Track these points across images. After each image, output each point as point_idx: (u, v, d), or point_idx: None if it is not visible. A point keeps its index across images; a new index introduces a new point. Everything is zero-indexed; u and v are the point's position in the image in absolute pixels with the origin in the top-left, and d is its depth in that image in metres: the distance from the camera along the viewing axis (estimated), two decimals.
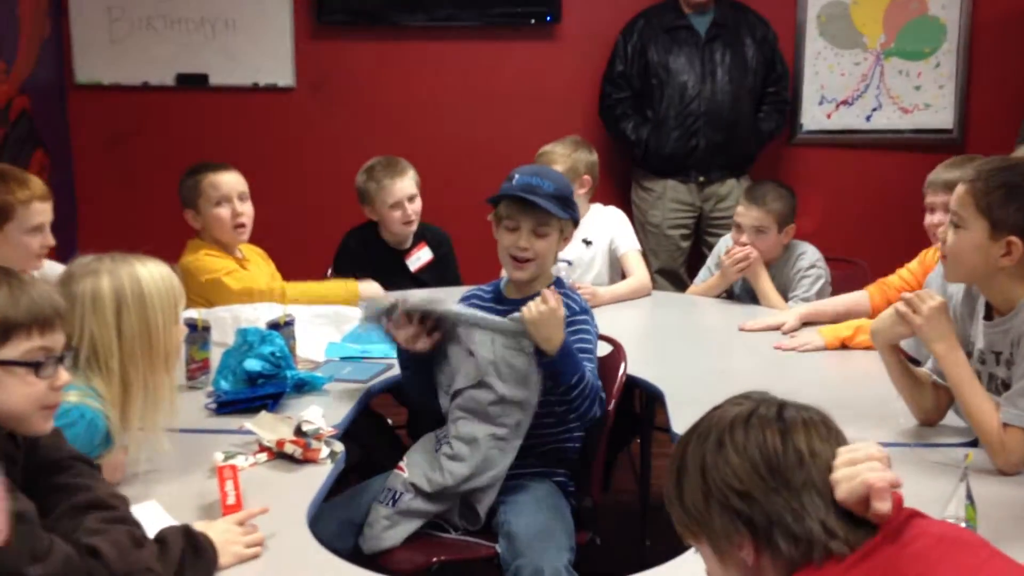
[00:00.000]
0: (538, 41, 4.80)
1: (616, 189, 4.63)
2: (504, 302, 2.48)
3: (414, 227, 3.64)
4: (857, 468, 1.26)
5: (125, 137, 4.88)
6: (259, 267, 3.37)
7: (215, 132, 4.81)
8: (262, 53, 4.81)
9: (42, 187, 2.74)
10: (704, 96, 4.38)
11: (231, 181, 3.29)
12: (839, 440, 1.33)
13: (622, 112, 4.50)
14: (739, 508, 1.27)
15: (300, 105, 4.85)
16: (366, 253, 3.66)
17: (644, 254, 4.44)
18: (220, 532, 1.76)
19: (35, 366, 1.58)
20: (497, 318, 2.31)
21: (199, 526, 1.77)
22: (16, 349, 1.56)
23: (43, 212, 2.71)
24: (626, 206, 4.34)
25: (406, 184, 3.60)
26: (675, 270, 4.53)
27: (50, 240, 2.75)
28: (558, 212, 2.37)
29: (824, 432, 1.31)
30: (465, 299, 2.54)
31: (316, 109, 4.85)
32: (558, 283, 2.49)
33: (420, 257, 3.69)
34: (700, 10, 4.44)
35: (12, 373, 1.55)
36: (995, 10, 4.72)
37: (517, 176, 2.41)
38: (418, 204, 3.64)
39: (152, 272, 2.01)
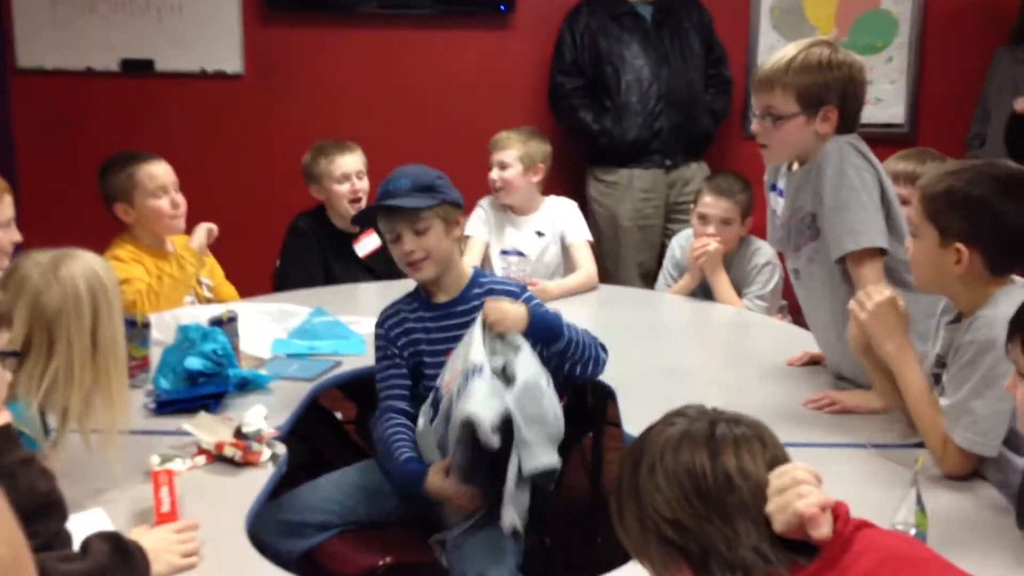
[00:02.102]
0: (491, 30, 4.75)
1: (568, 183, 4.56)
2: (434, 308, 2.41)
3: (361, 205, 3.60)
4: (786, 497, 1.23)
5: (68, 123, 4.76)
6: (180, 267, 3.15)
7: (161, 119, 4.71)
8: (210, 39, 4.71)
9: (2, 181, 2.66)
10: (662, 79, 4.37)
11: (166, 171, 3.20)
12: (776, 454, 1.29)
13: (579, 102, 4.44)
14: (672, 538, 1.25)
15: (248, 92, 4.76)
16: (315, 236, 3.63)
17: (619, 251, 4.42)
18: (154, 540, 1.70)
19: (18, 356, 1.61)
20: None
21: (135, 533, 1.71)
22: (3, 339, 1.56)
23: (7, 206, 2.64)
24: (580, 200, 4.29)
25: (355, 159, 3.64)
26: (653, 263, 4.42)
27: (17, 235, 2.67)
28: (422, 202, 2.31)
29: (758, 448, 1.28)
30: (389, 317, 2.44)
31: (265, 96, 4.77)
32: (477, 274, 2.44)
33: (367, 243, 3.65)
34: None
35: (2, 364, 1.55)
36: (947, 5, 4.74)
37: (379, 188, 2.40)
38: (366, 184, 3.64)
39: (102, 267, 1.95)
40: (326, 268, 3.57)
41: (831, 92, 2.36)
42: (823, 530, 1.21)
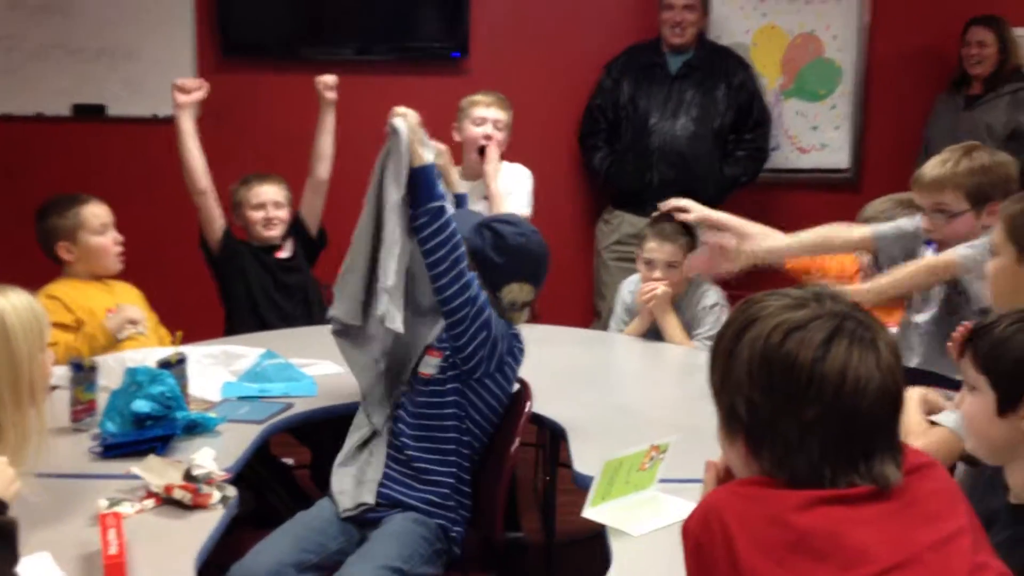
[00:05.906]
0: (446, 76, 4.79)
1: (583, 219, 4.85)
2: None
3: (275, 232, 3.64)
4: None
5: (16, 170, 4.72)
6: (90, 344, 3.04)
7: (112, 164, 4.69)
8: (163, 84, 4.67)
9: None
10: (661, 131, 4.43)
11: (106, 210, 3.26)
12: (887, 383, 1.24)
13: (593, 144, 4.61)
14: (740, 413, 1.26)
15: (202, 137, 4.73)
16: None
17: (601, 289, 4.55)
18: None
19: None
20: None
21: None
22: None
23: None
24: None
25: (273, 189, 3.67)
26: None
27: None
28: None
29: (872, 367, 1.23)
30: None
31: (218, 142, 4.72)
32: None
33: (286, 248, 3.72)
34: (678, 50, 4.49)
35: None
36: (889, 54, 4.87)
37: None
38: (284, 213, 3.66)
39: (12, 302, 1.90)
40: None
41: (996, 190, 2.70)
42: None
